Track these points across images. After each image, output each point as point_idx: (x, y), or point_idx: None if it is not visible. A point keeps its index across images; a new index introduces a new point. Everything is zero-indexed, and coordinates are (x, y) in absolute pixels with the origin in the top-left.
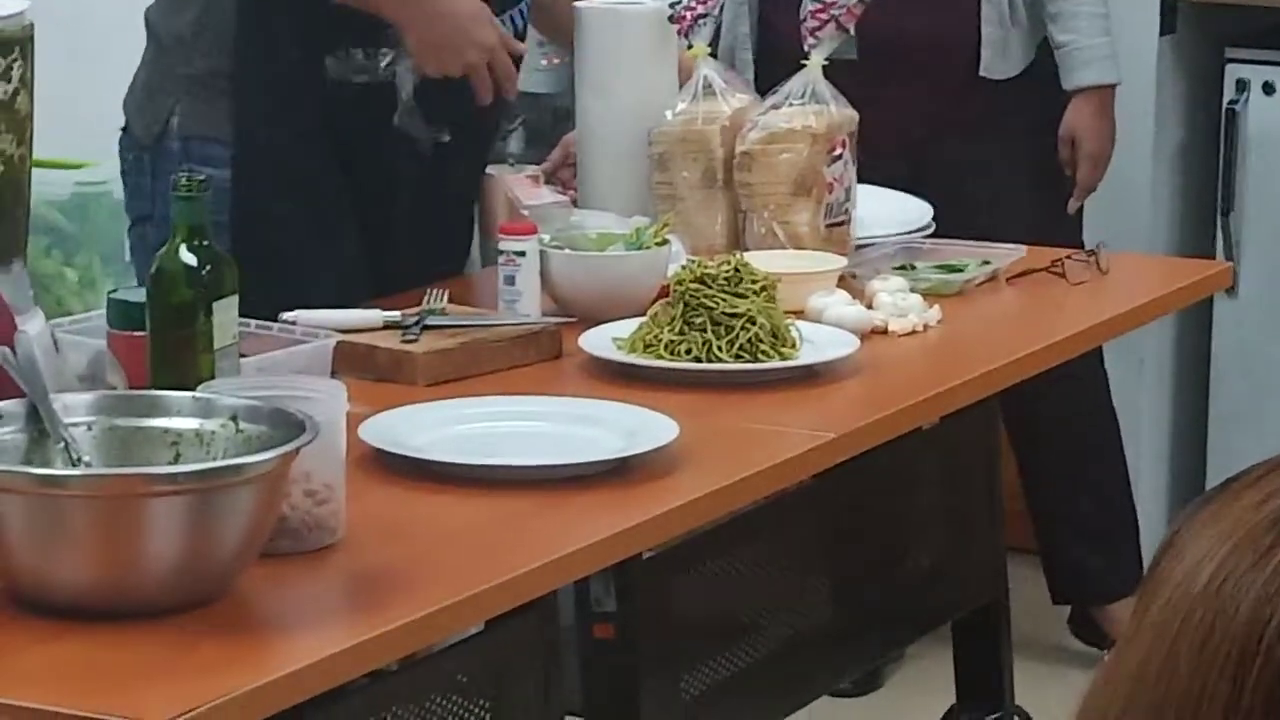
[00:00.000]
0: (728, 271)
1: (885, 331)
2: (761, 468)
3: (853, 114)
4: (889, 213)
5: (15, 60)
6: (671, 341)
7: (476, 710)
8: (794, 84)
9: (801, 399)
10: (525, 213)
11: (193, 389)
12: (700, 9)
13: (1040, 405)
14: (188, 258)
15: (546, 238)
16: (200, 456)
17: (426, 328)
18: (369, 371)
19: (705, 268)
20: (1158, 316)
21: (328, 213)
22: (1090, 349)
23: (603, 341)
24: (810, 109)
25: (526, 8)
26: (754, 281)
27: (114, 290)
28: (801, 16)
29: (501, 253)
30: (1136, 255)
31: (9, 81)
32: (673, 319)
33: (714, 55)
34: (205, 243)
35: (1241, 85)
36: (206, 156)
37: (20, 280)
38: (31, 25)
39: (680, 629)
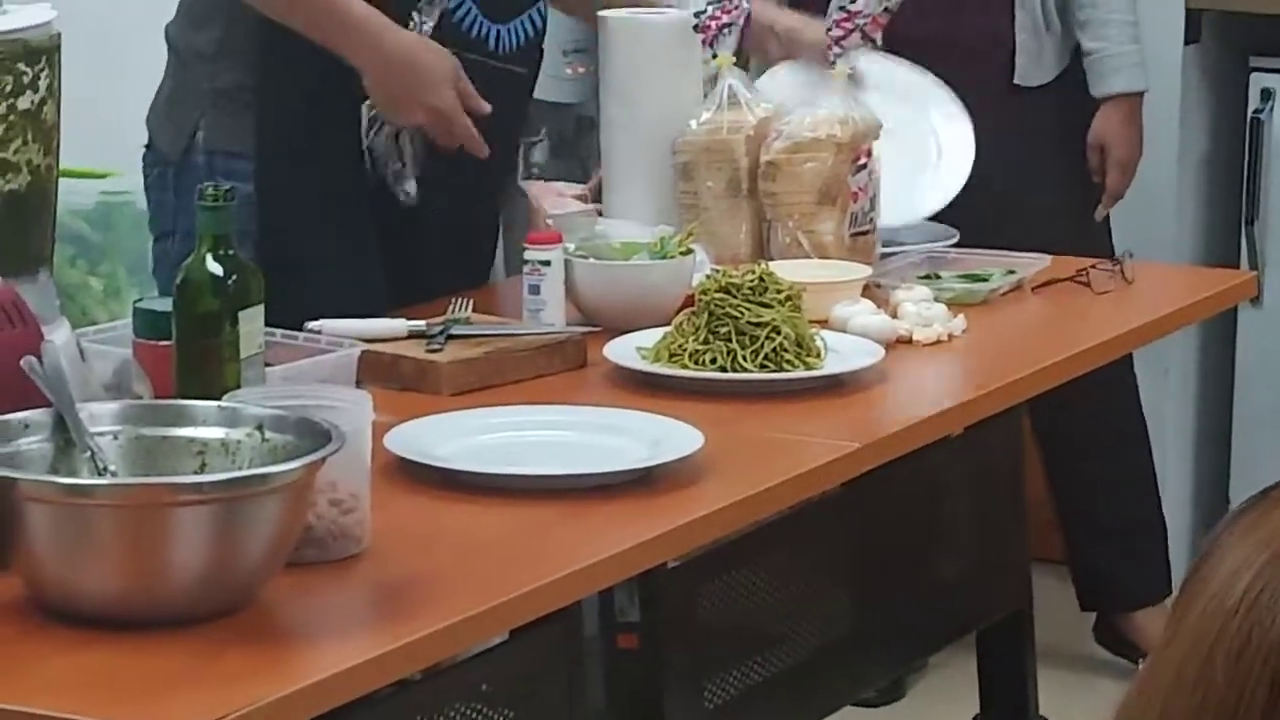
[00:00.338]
0: (752, 281)
1: (910, 341)
2: (786, 477)
3: (877, 122)
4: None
5: (42, 70)
6: (696, 351)
7: None
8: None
9: (826, 409)
10: (550, 222)
11: (218, 398)
12: (725, 18)
13: (1072, 411)
14: (214, 267)
15: (571, 247)
16: (226, 466)
17: (451, 337)
18: (394, 381)
19: (730, 277)
20: (1182, 326)
21: (353, 224)
22: (1118, 358)
23: (627, 351)
24: (835, 118)
25: (544, 6)
26: (779, 291)
27: (139, 299)
28: (826, 26)
29: (526, 262)
30: (1161, 265)
31: (36, 91)
32: (697, 328)
33: (739, 65)
34: (231, 252)
35: (1266, 94)
36: (231, 171)
37: (46, 290)
38: (59, 35)
39: (704, 639)
